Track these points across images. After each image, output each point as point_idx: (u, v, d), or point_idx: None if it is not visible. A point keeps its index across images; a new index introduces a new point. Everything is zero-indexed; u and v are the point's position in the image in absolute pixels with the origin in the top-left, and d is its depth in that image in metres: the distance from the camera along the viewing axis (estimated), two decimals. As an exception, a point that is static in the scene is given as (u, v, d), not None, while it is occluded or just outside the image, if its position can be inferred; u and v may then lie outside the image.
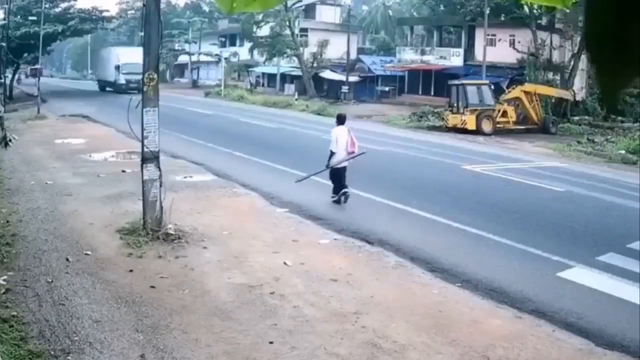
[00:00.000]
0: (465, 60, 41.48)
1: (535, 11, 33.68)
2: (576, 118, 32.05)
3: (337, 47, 47.85)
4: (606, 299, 7.53)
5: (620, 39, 0.65)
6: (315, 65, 48.21)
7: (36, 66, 49.60)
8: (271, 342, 5.83)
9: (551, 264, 8.70)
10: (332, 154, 11.82)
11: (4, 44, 28.19)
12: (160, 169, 9.52)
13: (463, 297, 7.42)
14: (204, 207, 11.23)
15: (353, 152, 11.87)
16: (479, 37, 38.04)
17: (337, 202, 11.70)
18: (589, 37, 0.68)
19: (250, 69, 56.13)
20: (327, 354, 5.65)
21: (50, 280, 7.23)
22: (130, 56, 43.24)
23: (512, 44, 37.83)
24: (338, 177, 11.78)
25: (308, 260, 8.36)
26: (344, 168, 11.84)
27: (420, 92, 44.44)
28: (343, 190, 11.72)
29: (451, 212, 11.44)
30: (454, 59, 42.35)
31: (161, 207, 9.42)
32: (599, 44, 0.66)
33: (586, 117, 32.43)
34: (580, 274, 8.34)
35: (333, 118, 33.29)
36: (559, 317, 6.87)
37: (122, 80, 48.05)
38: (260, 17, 47.23)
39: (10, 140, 11.19)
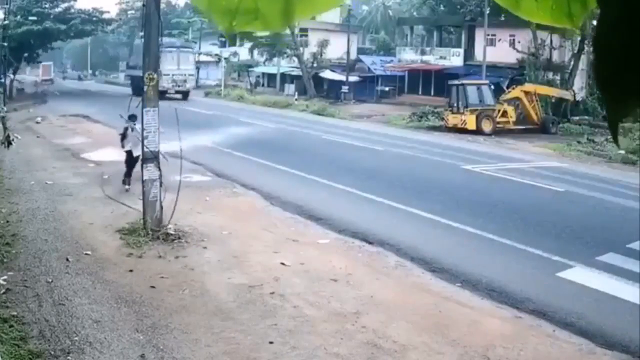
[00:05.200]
0: (465, 60, 41.45)
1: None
2: (576, 118, 32.02)
3: (337, 47, 47.82)
4: (606, 299, 7.53)
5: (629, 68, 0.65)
6: (315, 65, 48.18)
7: (47, 77, 54.83)
8: (271, 342, 5.83)
9: (551, 264, 8.70)
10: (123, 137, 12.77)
11: (4, 44, 28.10)
12: (160, 169, 9.52)
13: (463, 297, 7.42)
14: (204, 207, 11.23)
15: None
16: (479, 37, 38.02)
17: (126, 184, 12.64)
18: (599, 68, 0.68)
19: (250, 69, 56.08)
20: (327, 354, 5.65)
21: (50, 280, 7.23)
22: None
23: (512, 44, 37.79)
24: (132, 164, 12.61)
25: (308, 260, 8.36)
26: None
27: (420, 92, 44.41)
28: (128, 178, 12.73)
29: (451, 212, 11.44)
30: (454, 59, 42.34)
31: (161, 207, 9.43)
32: (609, 73, 0.66)
33: (586, 117, 32.38)
34: (580, 274, 8.34)
35: (333, 118, 33.07)
36: (559, 317, 6.87)
37: None
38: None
39: (12, 140, 11.20)
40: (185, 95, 40.48)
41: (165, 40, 44.72)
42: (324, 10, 0.88)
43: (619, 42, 0.65)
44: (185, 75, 40.68)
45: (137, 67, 39.22)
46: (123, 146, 12.85)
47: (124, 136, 12.76)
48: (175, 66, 39.55)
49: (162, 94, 37.79)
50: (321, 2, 0.87)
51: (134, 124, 12.34)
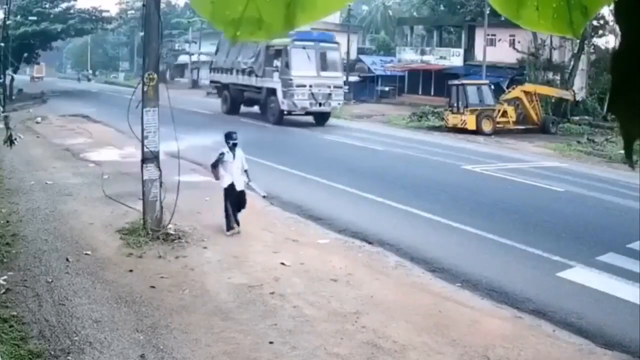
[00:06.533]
0: (465, 60, 41.47)
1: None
2: (576, 118, 32.04)
3: (337, 47, 47.76)
4: (606, 299, 7.53)
5: None
6: (315, 65, 48.07)
7: (40, 74, 65.46)
8: (271, 342, 5.83)
9: (551, 264, 8.71)
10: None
11: (3, 44, 28.15)
12: (160, 169, 9.52)
13: (463, 297, 7.42)
14: (204, 207, 11.22)
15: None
16: (479, 37, 38.06)
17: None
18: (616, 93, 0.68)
19: (250, 69, 55.87)
20: (327, 354, 5.65)
21: (50, 280, 7.23)
22: None
23: (512, 44, 37.82)
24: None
25: (308, 260, 8.36)
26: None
27: (420, 92, 44.45)
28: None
29: (451, 212, 11.44)
30: (454, 59, 42.36)
31: (161, 207, 9.42)
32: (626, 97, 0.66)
33: (586, 117, 32.41)
34: (580, 274, 8.34)
35: (333, 118, 32.86)
36: (559, 317, 6.87)
37: None
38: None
39: (15, 140, 11.20)
40: (322, 118, 26.45)
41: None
42: (326, 14, 0.88)
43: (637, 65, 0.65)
44: (330, 86, 25.32)
45: (232, 71, 28.15)
46: (217, 177, 9.72)
47: (216, 164, 9.61)
48: (314, 71, 24.97)
49: (282, 115, 24.92)
50: (322, 6, 0.87)
51: (230, 148, 9.65)
